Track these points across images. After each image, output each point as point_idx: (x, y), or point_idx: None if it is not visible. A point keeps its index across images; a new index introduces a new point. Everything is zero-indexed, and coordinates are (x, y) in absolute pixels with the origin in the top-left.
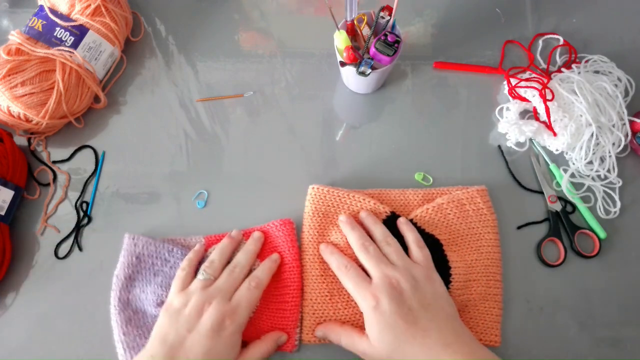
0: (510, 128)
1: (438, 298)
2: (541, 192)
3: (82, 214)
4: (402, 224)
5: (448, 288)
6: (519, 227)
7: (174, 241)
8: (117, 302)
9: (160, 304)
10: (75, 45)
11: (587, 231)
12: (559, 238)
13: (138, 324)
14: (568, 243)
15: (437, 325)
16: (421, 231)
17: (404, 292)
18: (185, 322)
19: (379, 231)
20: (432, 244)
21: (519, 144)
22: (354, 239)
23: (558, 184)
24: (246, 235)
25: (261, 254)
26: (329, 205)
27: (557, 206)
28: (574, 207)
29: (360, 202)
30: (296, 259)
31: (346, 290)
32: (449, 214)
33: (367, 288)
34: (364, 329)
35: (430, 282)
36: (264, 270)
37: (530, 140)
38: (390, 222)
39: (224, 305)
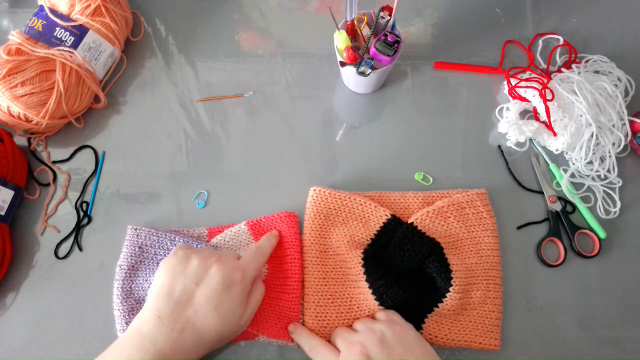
0: (510, 128)
1: (413, 339)
2: (541, 192)
3: (82, 214)
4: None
5: (448, 292)
6: (519, 227)
7: (177, 232)
8: (120, 291)
9: None
10: (75, 45)
11: (587, 231)
12: (559, 238)
13: None
14: (568, 243)
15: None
16: (421, 235)
17: (369, 352)
18: (193, 274)
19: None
20: (433, 247)
21: (519, 144)
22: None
23: (558, 184)
24: (250, 226)
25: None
26: (330, 208)
27: (557, 206)
28: (574, 207)
29: (361, 204)
30: (298, 251)
31: (348, 294)
32: (449, 217)
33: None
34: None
35: (400, 328)
36: (267, 241)
37: (530, 140)
38: (391, 226)
39: (233, 261)
